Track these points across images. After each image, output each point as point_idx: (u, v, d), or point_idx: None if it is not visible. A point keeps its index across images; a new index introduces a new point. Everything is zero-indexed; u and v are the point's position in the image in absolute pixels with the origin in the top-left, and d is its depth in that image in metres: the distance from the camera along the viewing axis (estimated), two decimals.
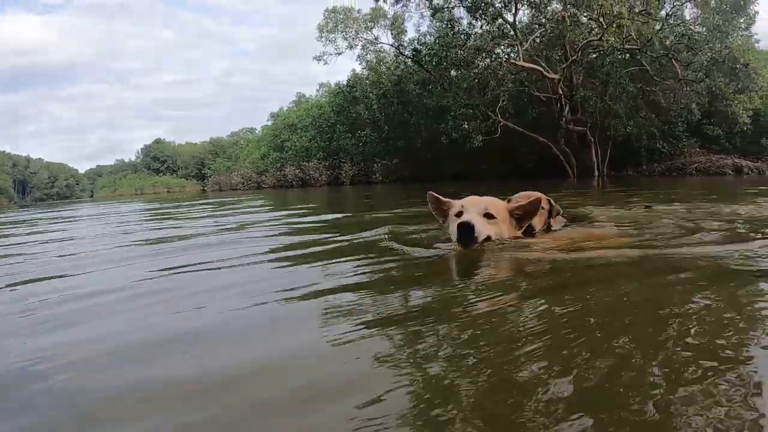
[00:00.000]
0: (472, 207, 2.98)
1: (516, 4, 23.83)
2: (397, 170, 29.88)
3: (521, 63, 22.65)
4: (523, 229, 3.17)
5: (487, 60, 24.81)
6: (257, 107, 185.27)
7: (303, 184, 35.77)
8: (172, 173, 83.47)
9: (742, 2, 23.62)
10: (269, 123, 53.26)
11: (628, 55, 23.34)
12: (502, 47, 24.68)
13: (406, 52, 29.60)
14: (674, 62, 22.45)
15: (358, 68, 34.40)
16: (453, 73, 25.36)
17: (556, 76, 23.00)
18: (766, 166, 23.11)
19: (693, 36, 22.72)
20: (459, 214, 2.96)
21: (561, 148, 23.76)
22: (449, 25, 25.22)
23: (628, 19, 21.31)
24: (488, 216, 2.95)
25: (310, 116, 38.94)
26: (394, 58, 31.37)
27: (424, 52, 27.08)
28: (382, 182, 28.69)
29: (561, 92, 23.10)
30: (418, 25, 43.77)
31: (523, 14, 25.05)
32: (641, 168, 24.12)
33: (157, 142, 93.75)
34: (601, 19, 21.42)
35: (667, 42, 22.85)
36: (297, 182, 36.83)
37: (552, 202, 3.78)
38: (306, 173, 36.71)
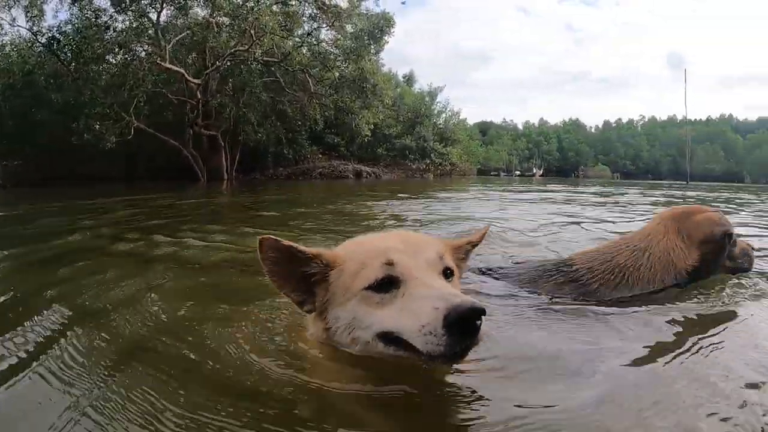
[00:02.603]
0: (421, 255, 1.45)
1: (162, 4, 23.21)
2: (21, 172, 25.68)
3: (165, 64, 22.08)
4: None
5: (127, 57, 23.56)
6: None
7: None
8: None
9: (378, 33, 27.49)
10: None
11: (260, 65, 24.83)
12: (143, 46, 23.72)
13: (43, 40, 25.86)
14: (308, 77, 24.81)
15: None
16: (92, 68, 23.22)
17: (197, 81, 23.11)
18: (382, 171, 27.82)
19: (328, 55, 25.47)
20: (390, 281, 1.36)
21: (190, 151, 24.05)
22: (93, 15, 23.13)
23: (277, 34, 22.70)
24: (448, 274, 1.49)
25: None
26: (30, 45, 27.06)
27: (63, 42, 24.15)
28: (2, 186, 24.35)
29: (199, 97, 23.29)
30: (56, 11, 38.39)
31: (167, 15, 24.54)
32: (268, 171, 26.32)
33: None
34: (252, 31, 22.23)
35: (300, 57, 24.99)
36: None
37: None
38: None
